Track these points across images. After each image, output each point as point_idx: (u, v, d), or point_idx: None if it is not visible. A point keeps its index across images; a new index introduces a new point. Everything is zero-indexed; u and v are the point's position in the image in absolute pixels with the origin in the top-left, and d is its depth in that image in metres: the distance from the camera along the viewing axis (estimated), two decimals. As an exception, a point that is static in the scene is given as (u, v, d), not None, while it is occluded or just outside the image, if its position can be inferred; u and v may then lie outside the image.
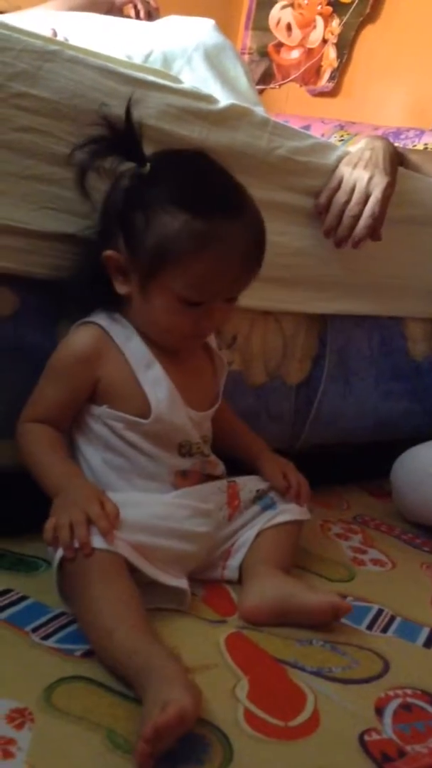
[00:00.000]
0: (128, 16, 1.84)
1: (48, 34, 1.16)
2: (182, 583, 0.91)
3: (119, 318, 0.96)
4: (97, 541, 0.82)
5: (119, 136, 0.90)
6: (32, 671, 0.77)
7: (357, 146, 1.24)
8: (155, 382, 0.95)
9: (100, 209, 0.93)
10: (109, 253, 0.91)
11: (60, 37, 1.21)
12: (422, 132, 2.21)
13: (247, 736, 0.72)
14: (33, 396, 0.94)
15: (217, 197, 0.89)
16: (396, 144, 1.47)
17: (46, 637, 0.83)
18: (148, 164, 0.91)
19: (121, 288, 0.94)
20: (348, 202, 1.17)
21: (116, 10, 1.82)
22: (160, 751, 0.64)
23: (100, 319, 0.95)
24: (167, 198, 0.87)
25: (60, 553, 0.82)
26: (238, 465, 1.11)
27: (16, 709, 0.70)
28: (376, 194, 1.17)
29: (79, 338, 0.94)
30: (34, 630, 0.84)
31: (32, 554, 1.01)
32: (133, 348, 0.95)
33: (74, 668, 0.78)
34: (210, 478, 1.03)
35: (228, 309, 0.95)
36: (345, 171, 1.19)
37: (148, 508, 0.93)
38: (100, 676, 0.77)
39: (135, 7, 1.85)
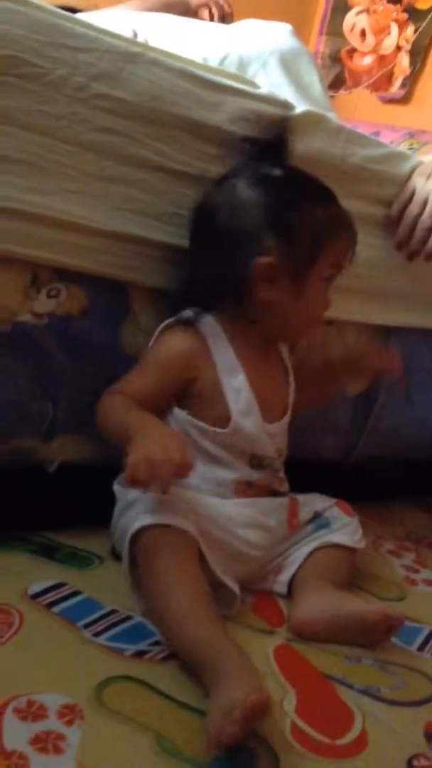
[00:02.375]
0: (202, 19, 1.85)
1: (128, 34, 1.17)
2: (235, 587, 0.91)
3: (211, 321, 0.97)
4: (170, 519, 0.84)
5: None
6: (83, 668, 0.77)
7: (430, 156, 1.22)
8: (238, 391, 0.96)
9: (221, 222, 0.94)
10: (264, 260, 0.92)
11: (140, 39, 1.22)
12: None
13: (294, 751, 0.72)
14: (126, 377, 0.95)
15: (326, 189, 0.99)
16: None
17: (97, 634, 0.83)
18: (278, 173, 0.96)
19: (268, 294, 0.94)
20: (420, 214, 1.15)
21: (191, 13, 1.82)
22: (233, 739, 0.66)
23: (196, 320, 0.96)
24: (308, 196, 0.95)
25: (138, 523, 0.83)
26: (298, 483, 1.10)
27: (67, 705, 0.71)
28: None
29: (182, 336, 0.96)
30: (86, 626, 0.85)
31: (86, 548, 1.02)
32: (223, 353, 0.96)
33: (125, 668, 0.79)
34: (274, 493, 1.03)
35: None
36: (418, 182, 1.17)
37: (210, 509, 0.93)
38: (150, 677, 0.78)
39: (209, 10, 1.85)
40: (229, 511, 0.95)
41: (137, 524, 0.84)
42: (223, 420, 0.95)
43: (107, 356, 0.99)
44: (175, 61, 0.96)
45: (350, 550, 1.04)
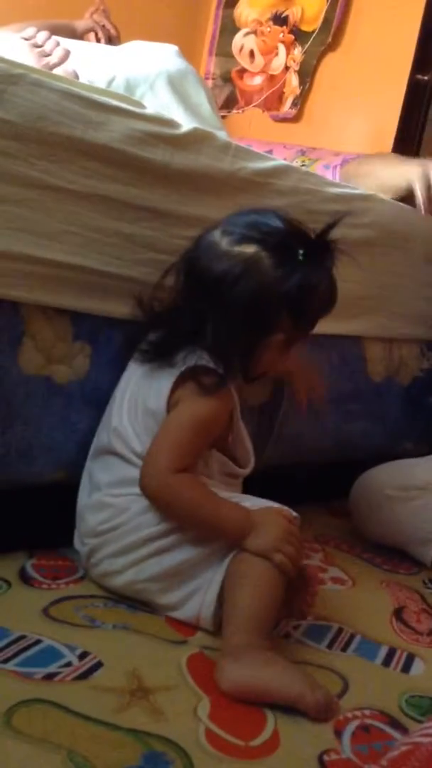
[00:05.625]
0: (89, 43, 1.86)
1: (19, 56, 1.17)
2: None
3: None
4: None
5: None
6: (-9, 694, 0.76)
7: None
8: (245, 434, 1.07)
9: (244, 296, 0.94)
10: (278, 337, 0.99)
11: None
12: (381, 158, 2.26)
13: (209, 755, 0.73)
14: (177, 448, 0.95)
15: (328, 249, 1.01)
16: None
17: (5, 661, 0.82)
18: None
19: (268, 358, 1.01)
20: None
21: (77, 37, 1.83)
22: None
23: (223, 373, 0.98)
24: (321, 274, 0.99)
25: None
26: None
27: (-25, 732, 0.70)
28: None
29: (225, 398, 0.99)
30: (-6, 653, 0.83)
31: (-8, 575, 1.00)
32: (236, 401, 1.04)
33: (35, 691, 0.78)
34: None
35: None
36: None
37: None
38: (60, 698, 0.77)
39: (96, 34, 1.87)
40: None
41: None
42: (242, 460, 1.07)
43: (4, 378, 0.97)
44: (59, 82, 0.97)
45: None
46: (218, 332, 0.96)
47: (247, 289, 0.94)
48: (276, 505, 0.98)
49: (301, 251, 0.96)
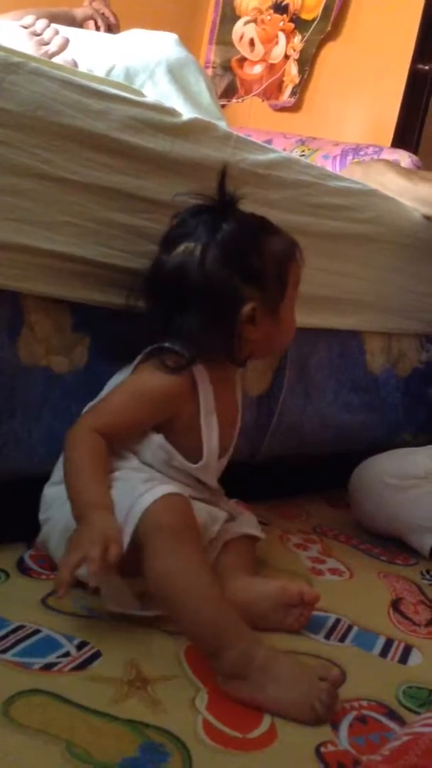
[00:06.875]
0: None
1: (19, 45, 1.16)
2: None
3: (200, 366, 1.00)
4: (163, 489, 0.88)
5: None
6: (-10, 685, 0.76)
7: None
8: (210, 432, 1.02)
9: (194, 284, 0.95)
10: (247, 308, 0.97)
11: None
12: (381, 149, 2.25)
13: (206, 746, 0.73)
14: (102, 406, 0.96)
15: (266, 220, 1.05)
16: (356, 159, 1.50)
17: (4, 651, 0.82)
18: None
19: (252, 334, 1.00)
20: None
21: (77, 25, 1.82)
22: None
23: (189, 364, 0.98)
24: (259, 234, 1.00)
25: (152, 496, 0.87)
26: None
27: (-27, 723, 0.70)
28: None
29: (174, 378, 0.97)
30: (-8, 643, 0.83)
31: (-10, 566, 1.00)
32: (206, 395, 1.01)
33: (33, 681, 0.78)
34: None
35: None
36: None
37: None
38: (59, 689, 0.77)
39: (95, 22, 1.86)
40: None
41: (153, 496, 0.86)
42: (195, 454, 1.01)
43: (3, 369, 0.97)
44: (58, 71, 0.96)
45: (255, 539, 1.09)
46: (184, 325, 0.97)
47: (194, 277, 0.95)
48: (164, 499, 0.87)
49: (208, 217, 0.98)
